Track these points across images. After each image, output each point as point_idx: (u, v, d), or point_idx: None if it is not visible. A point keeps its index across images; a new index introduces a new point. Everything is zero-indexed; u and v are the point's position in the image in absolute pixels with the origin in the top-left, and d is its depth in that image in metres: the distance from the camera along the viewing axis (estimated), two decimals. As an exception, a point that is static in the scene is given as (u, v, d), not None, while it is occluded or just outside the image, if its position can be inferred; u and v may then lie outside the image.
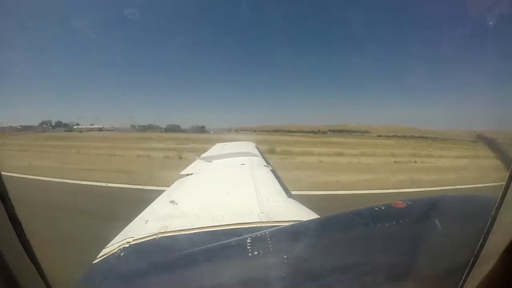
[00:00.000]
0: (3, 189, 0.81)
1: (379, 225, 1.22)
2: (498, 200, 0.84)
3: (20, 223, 0.83)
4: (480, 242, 0.88)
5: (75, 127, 77.84)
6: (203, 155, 4.88)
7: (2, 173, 0.86)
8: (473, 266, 0.90)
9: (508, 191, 0.81)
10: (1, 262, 0.73)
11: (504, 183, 0.82)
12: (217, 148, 5.81)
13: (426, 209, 1.31)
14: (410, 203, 1.35)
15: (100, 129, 73.45)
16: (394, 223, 1.22)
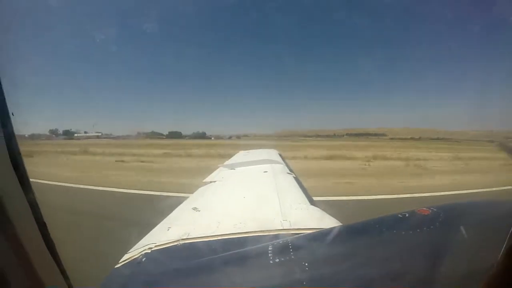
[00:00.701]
0: (31, 193, 0.85)
1: (403, 232, 1.18)
2: None
3: (45, 224, 0.87)
4: (503, 249, 0.81)
5: (76, 135, 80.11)
6: (226, 162, 4.94)
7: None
8: (496, 274, 0.83)
9: None
10: (27, 262, 0.76)
11: None
12: (240, 156, 5.85)
13: (451, 216, 1.26)
14: (435, 209, 1.30)
15: (97, 137, 75.58)
16: (418, 230, 1.18)
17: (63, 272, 0.93)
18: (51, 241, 0.89)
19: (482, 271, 0.91)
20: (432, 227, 1.18)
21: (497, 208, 1.38)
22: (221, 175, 3.79)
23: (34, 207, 0.84)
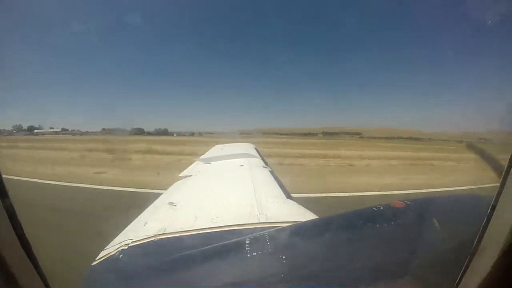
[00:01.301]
0: (3, 190, 0.81)
1: (377, 225, 1.23)
2: (493, 200, 0.85)
3: (19, 223, 0.84)
4: (475, 242, 0.89)
5: (36, 131, 75.22)
6: (202, 156, 4.88)
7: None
8: (469, 265, 0.91)
9: (503, 190, 0.83)
10: (1, 263, 0.74)
11: (499, 183, 0.84)
12: (216, 150, 5.80)
13: (424, 209, 1.33)
14: (409, 203, 1.36)
15: (56, 132, 72.29)
16: (392, 223, 1.23)
17: (40, 273, 0.90)
18: (26, 241, 0.86)
19: (452, 263, 0.98)
20: (405, 220, 1.24)
21: (467, 201, 1.45)
22: (197, 169, 3.75)
23: (7, 205, 0.80)
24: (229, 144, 6.83)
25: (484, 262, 0.84)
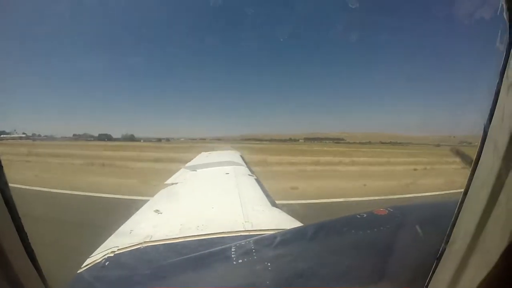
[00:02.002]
0: (8, 194, 0.82)
1: (361, 232, 1.28)
2: (458, 205, 0.89)
3: (22, 226, 0.85)
4: (442, 246, 0.94)
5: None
6: (188, 164, 4.87)
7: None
8: (436, 269, 0.97)
9: (468, 193, 0.87)
10: (4, 263, 0.75)
11: (463, 189, 0.88)
12: (202, 157, 5.80)
13: (407, 216, 1.38)
14: (392, 210, 1.41)
15: (20, 138, 68.56)
16: (375, 230, 1.27)
17: (41, 277, 0.91)
18: (29, 245, 0.87)
19: (422, 267, 1.02)
20: (388, 226, 1.29)
21: (438, 208, 1.49)
22: (183, 176, 3.75)
23: (11, 209, 0.82)
24: (215, 152, 6.84)
25: (450, 266, 0.89)
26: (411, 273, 1.11)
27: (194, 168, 4.27)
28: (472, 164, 0.85)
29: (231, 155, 5.98)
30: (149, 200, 2.65)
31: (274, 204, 2.48)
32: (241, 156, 5.90)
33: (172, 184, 3.29)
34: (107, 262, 1.38)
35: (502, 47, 0.70)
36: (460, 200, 0.89)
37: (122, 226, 1.93)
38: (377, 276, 1.14)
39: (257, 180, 3.52)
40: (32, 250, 0.88)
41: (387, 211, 1.40)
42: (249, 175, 3.81)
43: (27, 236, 0.86)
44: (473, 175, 0.85)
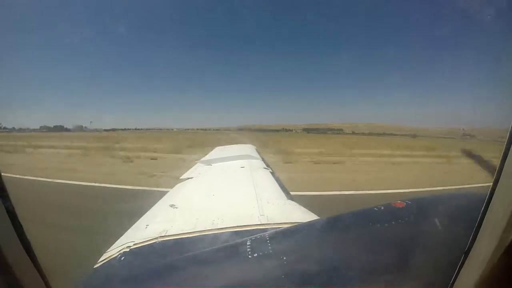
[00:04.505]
0: (3, 189, 0.82)
1: (378, 225, 1.23)
2: (487, 198, 0.85)
3: (20, 223, 0.85)
4: (470, 240, 0.90)
5: None
6: (203, 158, 4.90)
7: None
8: (463, 264, 0.92)
9: (497, 188, 0.83)
10: (2, 262, 0.75)
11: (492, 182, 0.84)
12: (217, 151, 5.82)
13: (425, 208, 1.33)
14: (410, 202, 1.35)
15: None
16: (393, 223, 1.23)
17: (40, 272, 0.91)
18: (27, 241, 0.87)
19: (448, 262, 0.98)
20: (407, 219, 1.23)
21: (466, 199, 1.44)
22: (198, 171, 3.77)
23: (8, 205, 0.81)
24: (230, 146, 6.85)
25: (479, 261, 0.85)
26: (435, 270, 1.06)
27: (209, 162, 4.29)
28: (502, 154, 0.81)
29: (247, 148, 5.96)
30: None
31: (289, 197, 2.44)
32: (256, 149, 5.88)
33: (188, 178, 3.31)
34: (123, 257, 1.40)
35: None
36: (488, 194, 0.85)
37: (138, 220, 1.96)
38: (395, 272, 1.10)
39: (273, 173, 3.49)
40: (31, 248, 0.88)
41: (405, 204, 1.34)
42: (264, 168, 3.78)
43: (25, 234, 0.86)
44: (503, 166, 0.81)
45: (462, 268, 0.93)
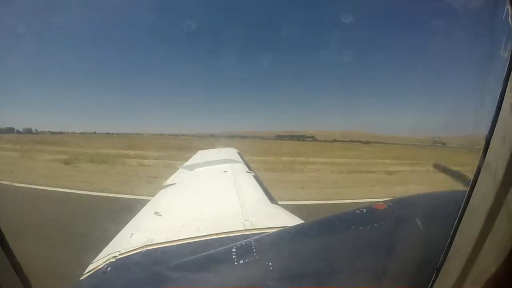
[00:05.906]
0: None
1: (361, 228, 1.27)
2: (465, 198, 0.88)
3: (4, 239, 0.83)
4: (448, 240, 0.92)
5: None
6: (186, 163, 4.85)
7: None
8: (443, 264, 0.95)
9: (474, 189, 0.85)
10: None
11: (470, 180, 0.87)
12: (199, 156, 5.77)
13: (406, 209, 1.38)
14: (391, 204, 1.41)
15: None
16: (376, 225, 1.26)
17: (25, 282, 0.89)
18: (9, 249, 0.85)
19: (427, 262, 1.01)
20: (388, 221, 1.28)
21: (449, 199, 1.45)
22: (181, 177, 3.73)
23: None
24: (212, 149, 6.81)
25: (458, 261, 0.87)
26: (415, 270, 1.10)
27: (191, 168, 4.25)
28: (480, 155, 0.82)
29: (228, 152, 5.95)
30: None
31: (273, 201, 2.49)
32: (238, 153, 5.87)
33: (171, 185, 3.27)
34: (109, 268, 1.38)
35: (506, 54, 0.68)
36: (466, 195, 0.88)
37: (122, 229, 1.93)
38: (379, 273, 1.13)
39: (256, 177, 3.52)
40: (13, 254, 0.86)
41: (386, 205, 1.39)
42: (247, 172, 3.80)
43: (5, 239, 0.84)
44: (482, 165, 0.83)
45: (442, 268, 0.96)
